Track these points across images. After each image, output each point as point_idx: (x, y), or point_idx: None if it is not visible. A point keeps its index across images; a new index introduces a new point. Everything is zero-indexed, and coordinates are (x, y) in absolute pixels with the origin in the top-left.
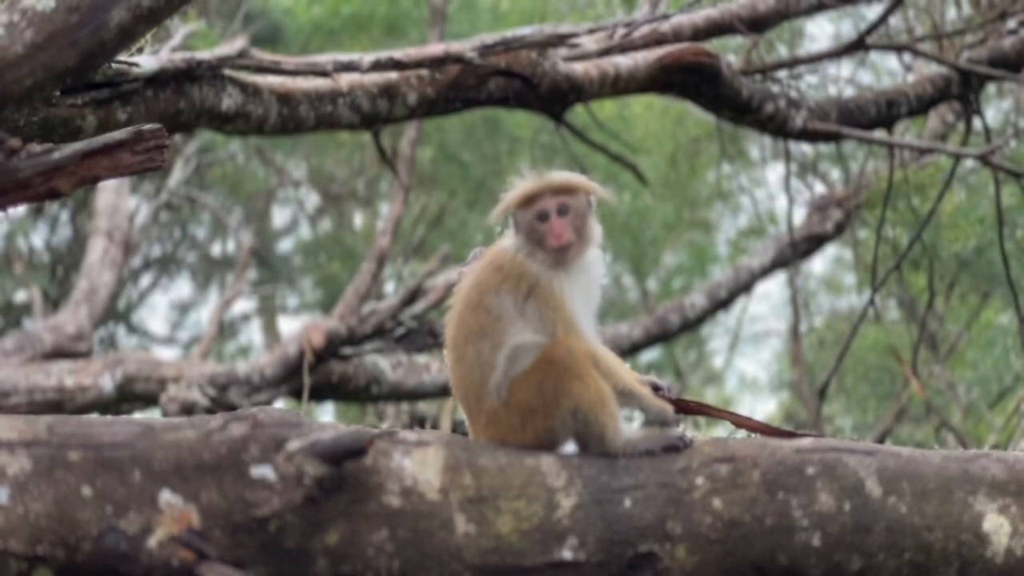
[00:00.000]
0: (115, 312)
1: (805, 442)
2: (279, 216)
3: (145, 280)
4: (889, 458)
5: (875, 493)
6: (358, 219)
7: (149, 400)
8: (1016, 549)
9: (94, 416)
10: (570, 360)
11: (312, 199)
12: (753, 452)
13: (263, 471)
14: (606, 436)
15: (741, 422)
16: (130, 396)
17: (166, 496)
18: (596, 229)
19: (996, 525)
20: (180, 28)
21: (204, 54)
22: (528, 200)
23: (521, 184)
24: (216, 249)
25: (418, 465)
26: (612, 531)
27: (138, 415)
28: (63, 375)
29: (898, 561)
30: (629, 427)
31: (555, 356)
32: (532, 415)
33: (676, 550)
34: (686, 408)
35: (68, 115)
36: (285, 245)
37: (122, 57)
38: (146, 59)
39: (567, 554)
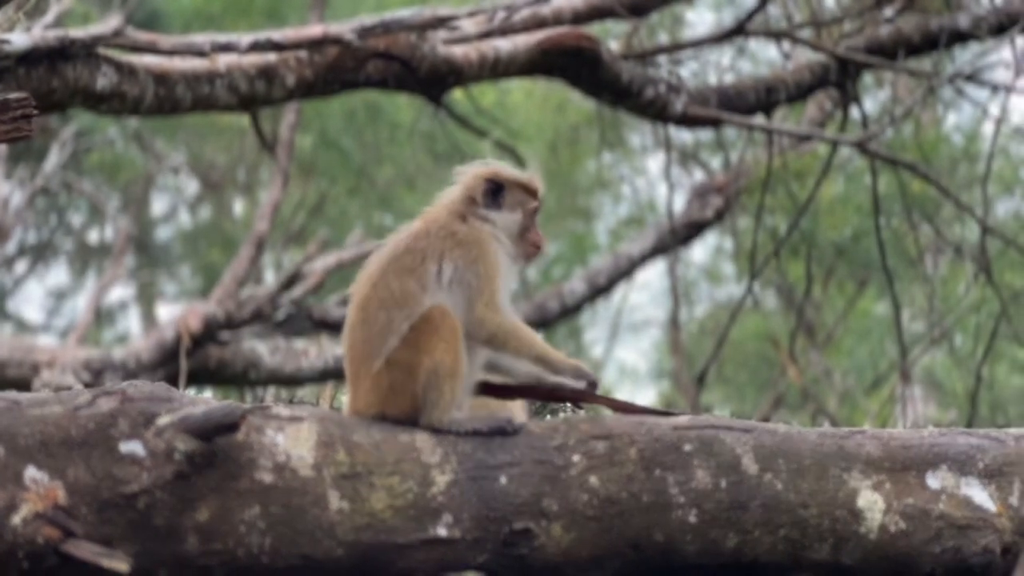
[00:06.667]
0: None
1: (682, 419)
2: (158, 203)
3: (20, 267)
4: (766, 435)
5: (751, 470)
6: (238, 207)
7: (21, 386)
8: (889, 525)
9: None
10: (440, 320)
11: (191, 186)
12: (630, 429)
13: (132, 447)
14: (437, 407)
15: (620, 407)
16: (1, 381)
17: (31, 472)
18: None
19: (870, 502)
20: (54, 5)
21: (78, 32)
22: (535, 193)
23: (516, 170)
24: (93, 236)
25: (291, 441)
26: (487, 508)
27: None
28: None
29: (773, 538)
30: (460, 408)
31: (430, 314)
32: (405, 374)
33: (552, 527)
34: (563, 396)
35: None
36: (164, 232)
37: None
38: (18, 37)
39: (442, 531)
